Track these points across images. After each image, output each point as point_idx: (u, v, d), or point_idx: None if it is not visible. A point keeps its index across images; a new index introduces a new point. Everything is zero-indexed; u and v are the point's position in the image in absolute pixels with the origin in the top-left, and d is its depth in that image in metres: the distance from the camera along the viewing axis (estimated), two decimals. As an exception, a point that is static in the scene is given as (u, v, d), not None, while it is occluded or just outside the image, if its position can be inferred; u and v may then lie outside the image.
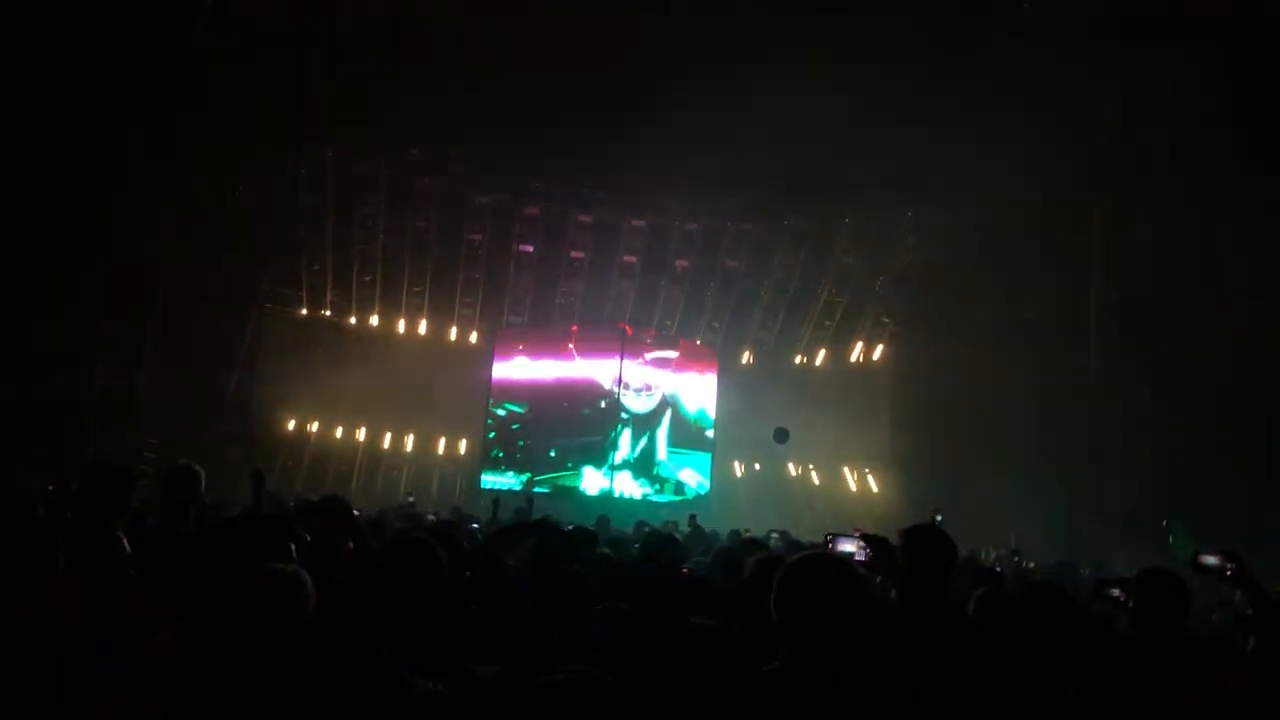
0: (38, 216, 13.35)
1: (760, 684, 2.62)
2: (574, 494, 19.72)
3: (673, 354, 21.65)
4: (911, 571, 3.59)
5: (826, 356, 22.86)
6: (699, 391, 21.99)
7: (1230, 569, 3.94)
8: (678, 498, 20.81)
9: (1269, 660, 3.63)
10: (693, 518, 13.05)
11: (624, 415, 20.36)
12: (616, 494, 19.84)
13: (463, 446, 22.27)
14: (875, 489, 21.00)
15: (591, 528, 8.69)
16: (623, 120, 15.81)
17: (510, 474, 20.82)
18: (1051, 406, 15.73)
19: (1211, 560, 4.02)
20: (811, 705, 2.40)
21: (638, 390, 20.52)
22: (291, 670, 2.29)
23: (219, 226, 17.09)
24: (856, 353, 22.72)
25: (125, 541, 3.34)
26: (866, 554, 4.21)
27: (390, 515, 9.50)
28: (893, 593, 3.79)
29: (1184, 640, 3.59)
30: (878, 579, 4.55)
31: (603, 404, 20.55)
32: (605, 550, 6.45)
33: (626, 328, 20.99)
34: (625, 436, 20.49)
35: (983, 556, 10.54)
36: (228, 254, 17.48)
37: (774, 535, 11.13)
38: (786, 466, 22.17)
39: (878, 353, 22.34)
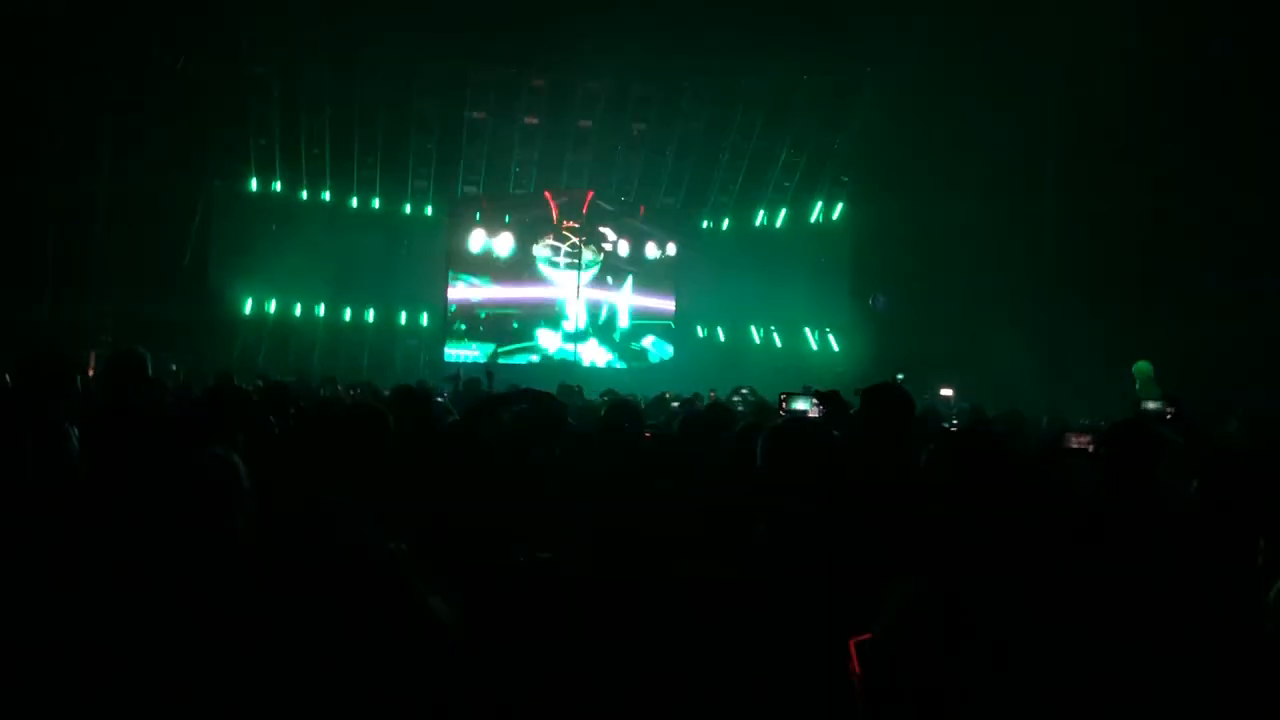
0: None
1: (754, 546, 2.72)
2: (538, 365, 19.79)
3: (633, 213, 21.50)
4: (870, 430, 3.63)
5: (786, 218, 22.76)
6: (660, 257, 21.90)
7: (1170, 413, 4.03)
8: (640, 365, 20.96)
9: (1210, 503, 3.73)
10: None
11: (579, 284, 20.31)
12: (585, 364, 19.94)
13: (425, 319, 22.13)
14: (836, 348, 21.28)
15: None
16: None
17: (474, 345, 20.81)
18: (1010, 254, 15.80)
19: (1153, 405, 4.11)
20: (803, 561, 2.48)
21: (582, 256, 20.42)
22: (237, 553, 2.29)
23: (166, 96, 16.58)
24: (816, 213, 22.63)
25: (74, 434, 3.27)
26: (820, 410, 4.27)
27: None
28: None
29: (1155, 502, 3.64)
30: (833, 433, 4.64)
31: (560, 271, 20.48)
32: (570, 420, 6.50)
33: (586, 194, 20.70)
34: (582, 305, 20.47)
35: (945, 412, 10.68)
36: (175, 125, 16.98)
37: (741, 394, 11.28)
38: (749, 330, 22.33)
39: (837, 212, 22.26)
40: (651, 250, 21.74)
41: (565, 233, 20.66)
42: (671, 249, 22.01)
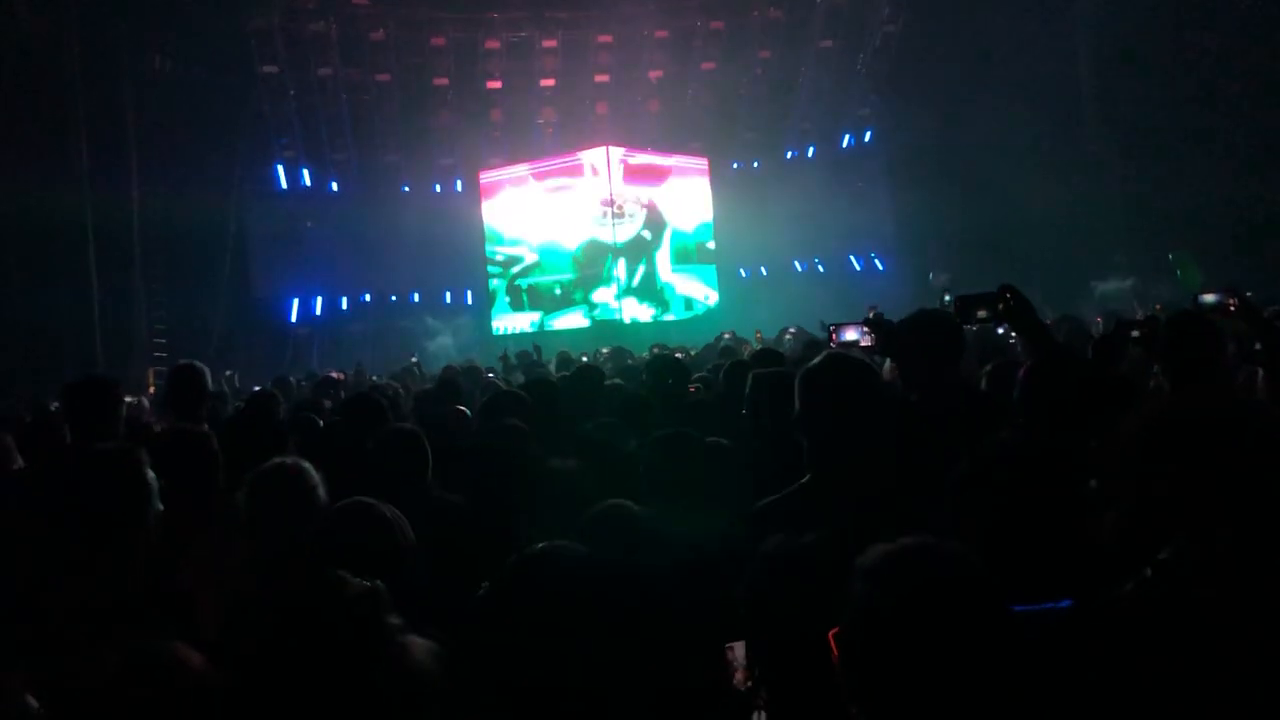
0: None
1: (791, 499, 2.64)
2: (588, 329, 19.72)
3: (662, 162, 21.23)
4: (914, 360, 3.51)
5: (818, 145, 22.37)
6: (694, 203, 21.64)
7: (1233, 304, 3.87)
8: (688, 314, 20.83)
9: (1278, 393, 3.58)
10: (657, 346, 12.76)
11: (616, 245, 20.17)
12: (627, 321, 19.84)
13: (469, 297, 22.14)
14: (882, 271, 21.08)
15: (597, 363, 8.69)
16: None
17: (520, 315, 20.81)
18: (1051, 160, 15.42)
19: (1212, 298, 3.95)
20: (841, 513, 2.36)
21: (617, 217, 20.18)
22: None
23: (181, 109, 16.67)
24: (847, 137, 22.24)
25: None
26: (872, 339, 4.15)
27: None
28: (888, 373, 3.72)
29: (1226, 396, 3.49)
30: (885, 362, 4.51)
31: (595, 234, 20.35)
32: (617, 380, 6.43)
33: (608, 147, 20.45)
34: (621, 265, 20.32)
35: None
36: (196, 135, 17.07)
37: (788, 335, 11.14)
38: (793, 265, 22.08)
39: (868, 134, 21.87)
40: (684, 197, 21.49)
41: (598, 192, 20.47)
42: (705, 194, 21.74)
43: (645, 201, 20.81)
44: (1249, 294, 4.31)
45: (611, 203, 19.95)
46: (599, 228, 20.26)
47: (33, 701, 1.63)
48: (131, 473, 2.81)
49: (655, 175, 21.11)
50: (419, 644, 1.41)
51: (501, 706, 1.70)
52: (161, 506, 2.91)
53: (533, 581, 1.78)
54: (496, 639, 1.72)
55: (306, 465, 3.06)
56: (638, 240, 20.69)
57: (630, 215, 20.50)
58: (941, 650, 1.47)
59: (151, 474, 2.90)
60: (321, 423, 5.25)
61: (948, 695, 1.46)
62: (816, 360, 2.80)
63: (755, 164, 22.77)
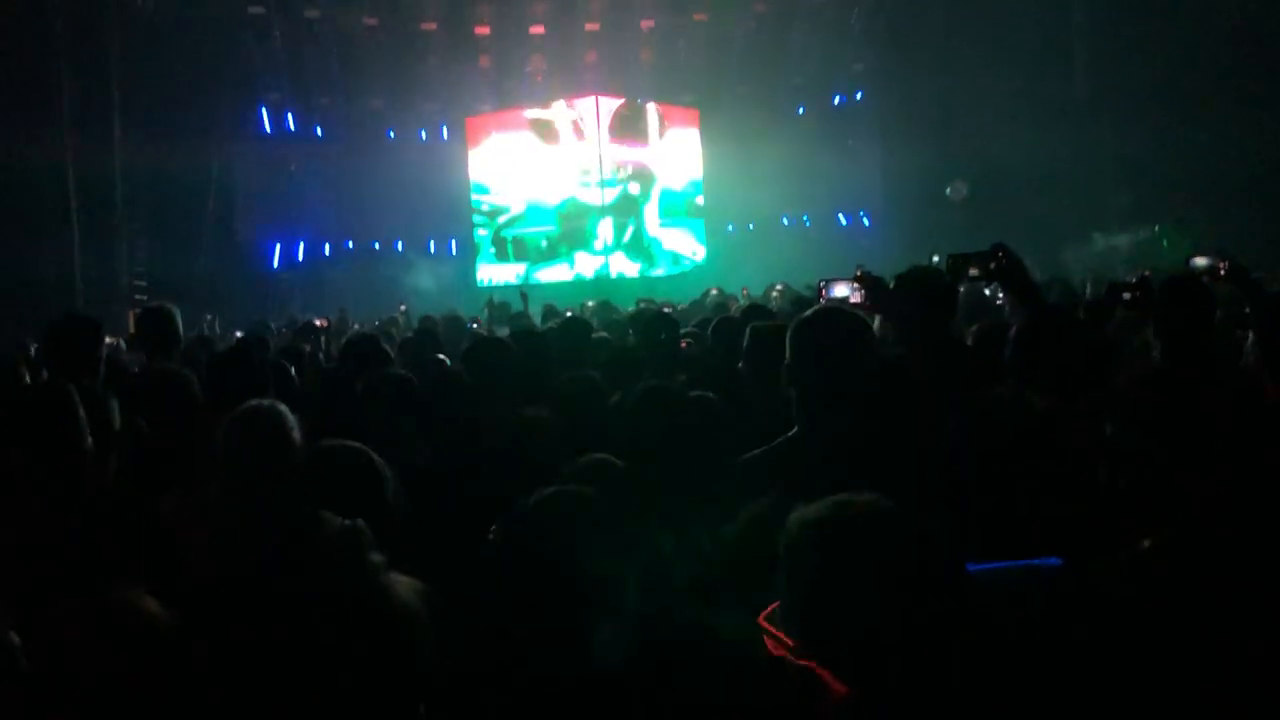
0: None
1: (778, 452, 2.63)
2: (571, 281, 19.63)
3: (653, 119, 20.99)
4: (905, 316, 3.52)
5: (809, 101, 22.17)
6: (683, 158, 21.46)
7: (1223, 267, 3.90)
8: (675, 269, 20.74)
9: (1269, 355, 3.58)
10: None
11: (602, 205, 20.04)
12: (613, 276, 19.75)
13: (454, 245, 21.96)
14: (869, 228, 21.08)
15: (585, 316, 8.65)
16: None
17: (505, 266, 20.67)
18: (1044, 119, 15.35)
19: (1203, 261, 3.98)
20: (831, 464, 2.34)
21: (602, 182, 20.03)
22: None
23: (165, 50, 16.39)
24: (839, 93, 22.05)
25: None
26: (863, 295, 4.13)
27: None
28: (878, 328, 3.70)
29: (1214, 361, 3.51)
30: (876, 319, 4.50)
31: (579, 194, 20.20)
32: (604, 334, 6.41)
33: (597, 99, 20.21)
34: (608, 224, 20.18)
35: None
36: (181, 80, 16.78)
37: (775, 292, 11.11)
38: (780, 221, 21.96)
39: (859, 92, 21.70)
40: (673, 151, 21.30)
41: (585, 148, 20.25)
42: (695, 148, 21.55)
43: (632, 150, 20.61)
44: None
45: (598, 166, 19.83)
46: (584, 189, 20.12)
47: (15, 637, 1.60)
48: (59, 406, 2.78)
49: (645, 126, 20.87)
50: (404, 582, 1.39)
51: (506, 649, 1.70)
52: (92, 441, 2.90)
53: (555, 524, 1.77)
54: (513, 582, 1.72)
55: (283, 407, 3.05)
56: (624, 197, 20.53)
57: (616, 177, 20.34)
58: (879, 609, 1.44)
59: (83, 411, 2.88)
60: (294, 369, 5.20)
61: (873, 653, 1.44)
62: (809, 312, 2.79)
63: (744, 118, 22.53)
